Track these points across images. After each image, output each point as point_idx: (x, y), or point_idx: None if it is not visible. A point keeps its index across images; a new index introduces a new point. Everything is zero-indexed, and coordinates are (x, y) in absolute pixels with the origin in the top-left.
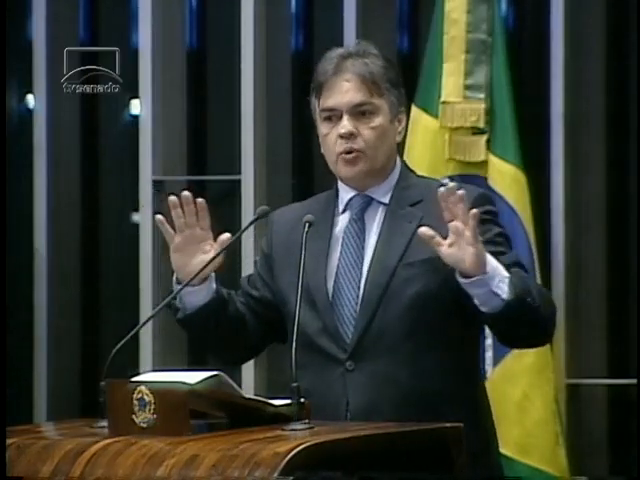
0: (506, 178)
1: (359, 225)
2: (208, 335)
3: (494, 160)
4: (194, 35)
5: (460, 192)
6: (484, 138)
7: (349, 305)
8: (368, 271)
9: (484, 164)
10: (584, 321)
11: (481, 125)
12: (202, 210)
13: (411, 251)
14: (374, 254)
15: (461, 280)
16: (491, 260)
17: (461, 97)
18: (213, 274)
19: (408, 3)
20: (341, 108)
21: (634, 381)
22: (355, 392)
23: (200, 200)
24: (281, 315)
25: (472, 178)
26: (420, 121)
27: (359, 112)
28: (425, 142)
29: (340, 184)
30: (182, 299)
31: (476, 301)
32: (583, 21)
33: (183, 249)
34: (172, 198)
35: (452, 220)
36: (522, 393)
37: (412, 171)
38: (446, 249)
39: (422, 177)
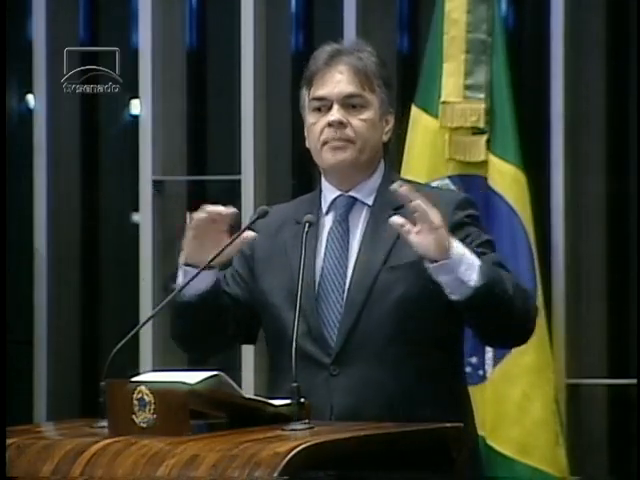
0: (506, 178)
1: (343, 227)
2: (201, 321)
3: (494, 160)
4: (194, 35)
5: (414, 203)
6: (484, 138)
7: (333, 308)
8: (352, 274)
9: (484, 164)
10: (584, 321)
11: (481, 125)
12: (232, 215)
13: (395, 255)
14: (358, 257)
15: (427, 265)
16: (459, 248)
17: (461, 97)
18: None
19: (408, 3)
20: (332, 98)
21: (634, 381)
22: (339, 397)
23: (233, 210)
24: (251, 315)
25: (472, 178)
26: (420, 121)
27: (349, 104)
28: (425, 142)
29: (324, 184)
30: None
31: (446, 290)
32: (583, 21)
33: (199, 235)
34: (203, 213)
35: (414, 211)
36: (522, 393)
37: (397, 173)
38: (414, 236)
39: (407, 181)
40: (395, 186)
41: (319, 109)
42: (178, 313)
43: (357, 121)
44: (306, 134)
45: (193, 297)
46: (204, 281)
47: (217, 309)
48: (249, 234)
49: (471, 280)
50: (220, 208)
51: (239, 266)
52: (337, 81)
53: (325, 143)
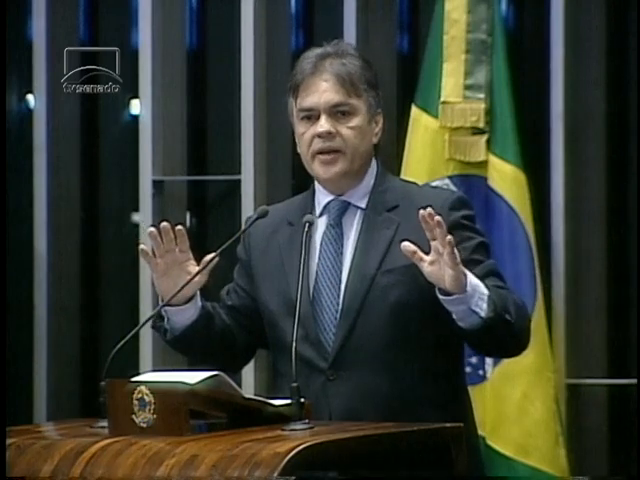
0: (506, 178)
1: (337, 231)
2: (199, 352)
3: (494, 160)
4: (194, 35)
5: (437, 218)
6: (484, 138)
7: (329, 313)
8: (347, 279)
9: (484, 164)
10: (584, 321)
11: (481, 125)
12: (181, 235)
13: (390, 258)
14: (353, 261)
15: (440, 297)
16: (471, 278)
17: (461, 97)
18: (198, 292)
19: (408, 3)
20: (319, 108)
21: (634, 381)
22: (337, 401)
23: (179, 227)
24: (260, 321)
25: (472, 178)
26: (420, 121)
27: (337, 112)
28: (425, 142)
29: (317, 186)
30: (170, 320)
31: (454, 316)
32: (583, 21)
33: (166, 273)
34: (152, 230)
35: (434, 239)
36: (522, 393)
37: (389, 172)
38: (427, 266)
39: (399, 179)
40: (423, 212)
41: (308, 118)
42: (173, 348)
43: (346, 130)
44: (297, 141)
45: (179, 332)
46: (186, 315)
47: (212, 334)
48: (209, 257)
49: (481, 311)
50: (161, 226)
51: (238, 277)
52: (323, 90)
53: (315, 154)
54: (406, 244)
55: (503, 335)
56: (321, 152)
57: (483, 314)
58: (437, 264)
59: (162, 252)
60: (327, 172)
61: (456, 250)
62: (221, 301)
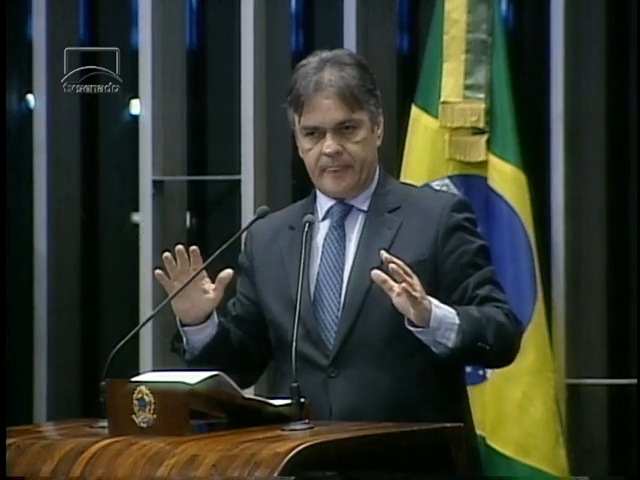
0: (506, 178)
1: (339, 232)
2: (219, 368)
3: (494, 160)
4: (194, 35)
5: (392, 266)
6: (484, 138)
7: (331, 311)
8: (349, 277)
9: (484, 164)
10: (584, 321)
11: (481, 125)
12: (195, 255)
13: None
14: (354, 260)
15: (407, 326)
16: (437, 312)
17: (461, 97)
18: (214, 310)
19: (408, 3)
20: (324, 126)
21: (634, 381)
22: (338, 399)
23: (193, 248)
24: (268, 327)
25: (472, 178)
26: (420, 121)
27: (342, 128)
28: (425, 142)
29: (319, 192)
30: (189, 340)
31: (425, 342)
32: (583, 21)
33: (183, 295)
34: (167, 255)
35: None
36: (522, 393)
37: (390, 175)
38: (395, 296)
39: (401, 183)
40: (383, 254)
41: (312, 133)
42: (193, 367)
43: (352, 145)
44: (301, 153)
45: (199, 351)
46: (205, 334)
47: (230, 348)
48: (225, 273)
49: (449, 341)
50: (177, 249)
51: (241, 286)
52: (326, 109)
53: (324, 170)
54: (376, 272)
55: (476, 360)
56: (330, 167)
57: (450, 344)
58: (403, 297)
59: (177, 274)
60: (337, 187)
61: (418, 290)
62: (227, 314)
